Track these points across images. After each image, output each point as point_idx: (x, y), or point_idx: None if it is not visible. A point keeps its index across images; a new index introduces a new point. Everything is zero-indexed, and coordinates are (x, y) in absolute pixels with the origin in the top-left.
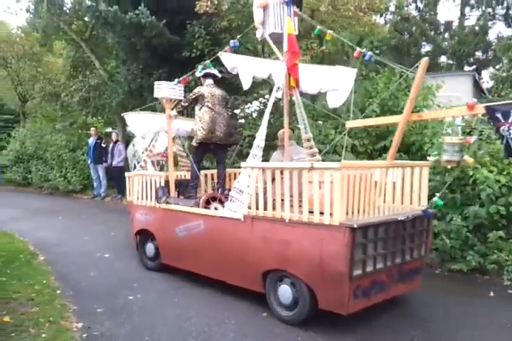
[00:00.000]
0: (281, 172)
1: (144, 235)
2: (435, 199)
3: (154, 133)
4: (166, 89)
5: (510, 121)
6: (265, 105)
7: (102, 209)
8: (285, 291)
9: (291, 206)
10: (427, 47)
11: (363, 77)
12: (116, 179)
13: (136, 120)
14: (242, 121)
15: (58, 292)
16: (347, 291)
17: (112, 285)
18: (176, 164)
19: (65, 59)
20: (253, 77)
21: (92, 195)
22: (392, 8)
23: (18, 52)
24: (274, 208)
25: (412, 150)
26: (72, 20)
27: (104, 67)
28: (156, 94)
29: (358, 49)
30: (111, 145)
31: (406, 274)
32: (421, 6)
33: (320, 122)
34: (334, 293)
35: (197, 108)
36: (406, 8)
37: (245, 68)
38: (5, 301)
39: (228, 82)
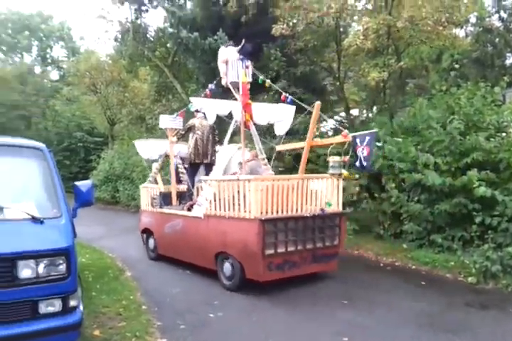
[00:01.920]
0: (228, 184)
1: (147, 233)
2: (327, 201)
3: (159, 155)
4: (168, 121)
5: (364, 145)
6: (340, 123)
7: None
8: (227, 267)
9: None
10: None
11: (443, 92)
12: None
13: (143, 146)
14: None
15: (144, 307)
16: (261, 265)
17: (194, 302)
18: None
19: (149, 84)
20: (216, 115)
21: None
22: (473, 20)
23: (106, 78)
24: (220, 209)
25: (499, 167)
26: (156, 47)
27: (186, 91)
28: (160, 125)
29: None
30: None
31: (320, 257)
32: (505, 15)
33: (399, 139)
34: (254, 266)
35: (190, 136)
36: (488, 19)
37: (210, 108)
38: (95, 315)
39: (305, 102)
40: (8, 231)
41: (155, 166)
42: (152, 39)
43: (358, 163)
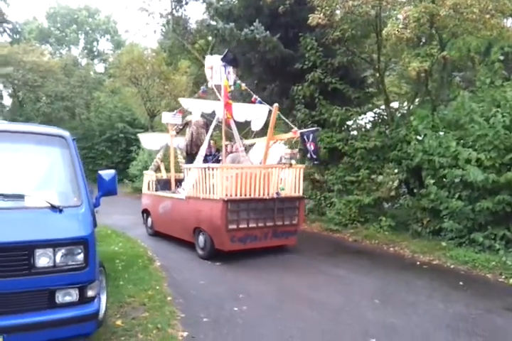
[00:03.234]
0: (201, 170)
1: (146, 213)
2: (280, 186)
3: (160, 146)
4: (169, 117)
5: (310, 140)
6: (380, 115)
7: None
8: (201, 239)
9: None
10: None
11: (488, 85)
12: None
13: (147, 138)
14: (355, 132)
15: (169, 298)
16: (225, 237)
17: (220, 295)
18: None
19: (188, 76)
20: (201, 112)
21: None
22: None
23: (147, 71)
24: (197, 192)
25: None
26: (196, 40)
27: None
28: (162, 120)
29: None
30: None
31: (280, 233)
32: None
33: (441, 133)
34: (220, 238)
35: (187, 130)
36: None
37: (196, 107)
38: (120, 305)
39: (341, 94)
40: (26, 219)
41: (158, 156)
42: (192, 31)
43: (308, 155)
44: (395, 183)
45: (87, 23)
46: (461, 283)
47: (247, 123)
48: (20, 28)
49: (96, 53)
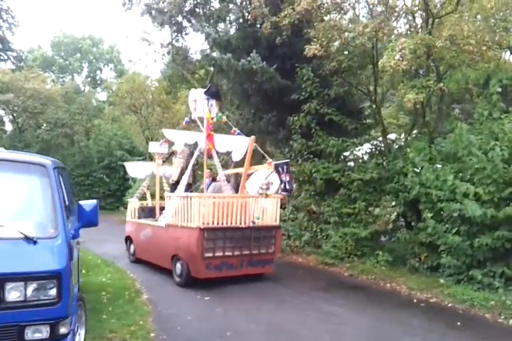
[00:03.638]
0: (181, 199)
1: (129, 240)
2: (256, 215)
3: (146, 175)
4: (156, 146)
5: (284, 172)
6: (376, 147)
7: None
8: (178, 266)
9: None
10: None
11: (486, 117)
12: None
13: (132, 167)
14: (352, 164)
15: (152, 335)
16: (201, 265)
17: (206, 332)
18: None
19: (187, 105)
20: (184, 143)
21: None
22: None
23: (147, 99)
24: (176, 219)
25: None
26: (195, 70)
27: (221, 112)
28: (149, 150)
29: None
30: None
31: (256, 262)
32: None
33: (438, 166)
34: (196, 266)
35: (173, 159)
36: None
37: (178, 138)
38: (101, 340)
39: (338, 124)
40: None
41: (144, 184)
42: (192, 61)
43: (282, 186)
44: (393, 216)
45: (91, 52)
46: (458, 323)
47: (229, 154)
48: (24, 56)
49: (99, 82)
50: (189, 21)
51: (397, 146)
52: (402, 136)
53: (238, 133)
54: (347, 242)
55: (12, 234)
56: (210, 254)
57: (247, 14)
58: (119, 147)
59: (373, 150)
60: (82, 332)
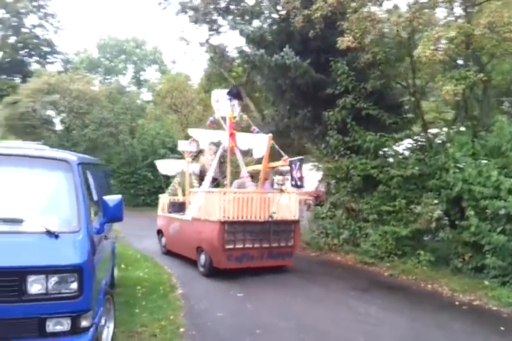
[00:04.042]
0: (204, 194)
1: (160, 233)
2: (272, 210)
3: (176, 172)
4: (185, 145)
5: (296, 168)
6: (417, 142)
7: None
8: (202, 257)
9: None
10: None
11: None
12: None
13: (163, 164)
14: (391, 159)
15: (182, 330)
16: (222, 256)
17: (236, 329)
18: None
19: None
20: (209, 142)
21: None
22: None
23: (187, 98)
24: (201, 213)
25: None
26: (232, 67)
27: (258, 109)
28: (178, 148)
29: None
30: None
31: (276, 254)
32: None
33: (483, 161)
34: (217, 257)
35: (201, 157)
36: None
37: (203, 137)
38: (130, 334)
39: (376, 119)
40: (21, 244)
41: (175, 181)
42: (229, 59)
43: (293, 182)
44: (435, 214)
45: (135, 54)
46: (502, 328)
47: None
48: (71, 59)
49: (143, 82)
50: (224, 18)
51: (439, 141)
52: (445, 130)
53: (258, 132)
54: (387, 241)
55: (35, 229)
56: (231, 246)
57: (280, 8)
58: (162, 145)
59: (414, 145)
60: (110, 325)
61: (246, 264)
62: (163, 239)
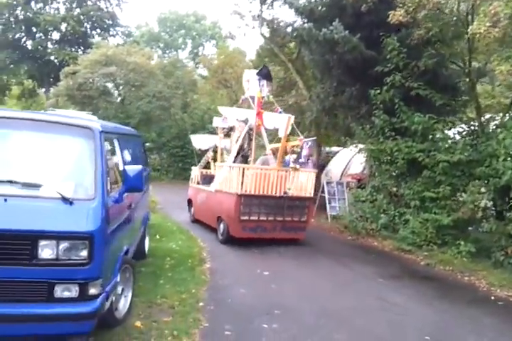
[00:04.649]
0: (227, 169)
1: (190, 203)
2: (288, 186)
3: (209, 146)
4: (219, 121)
5: (307, 147)
6: (469, 127)
7: None
8: (221, 226)
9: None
10: None
11: None
12: None
13: (198, 139)
14: (439, 144)
15: (200, 304)
16: (238, 226)
17: (255, 307)
18: None
19: (274, 79)
20: (236, 119)
21: None
22: None
23: (238, 73)
24: (222, 186)
25: None
26: (284, 43)
27: (306, 86)
28: (213, 124)
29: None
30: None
31: (289, 228)
32: None
33: None
34: (233, 226)
35: (232, 133)
36: None
37: (231, 114)
38: (149, 305)
39: (427, 101)
40: (36, 209)
41: (208, 154)
42: (279, 34)
43: (299, 160)
44: (482, 203)
45: (194, 29)
46: None
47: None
48: (133, 32)
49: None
50: None
51: (494, 126)
52: (500, 115)
53: (280, 112)
54: (427, 229)
55: (51, 194)
56: (246, 217)
57: None
58: (211, 121)
59: (466, 130)
60: (129, 294)
61: (259, 235)
62: (192, 209)
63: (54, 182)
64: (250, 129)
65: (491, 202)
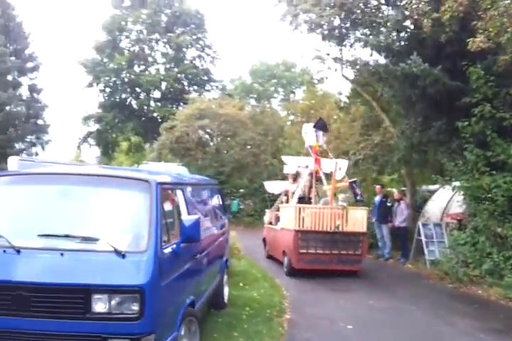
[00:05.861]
0: (288, 209)
1: (265, 240)
2: (337, 222)
3: (281, 191)
4: (288, 168)
5: (356, 187)
6: None
7: (381, 271)
8: (285, 259)
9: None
10: None
11: None
12: (401, 240)
13: (271, 184)
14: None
15: None
16: (296, 258)
17: None
18: None
19: (358, 119)
20: (298, 166)
21: (376, 254)
22: None
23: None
24: (285, 224)
25: None
26: (365, 81)
27: (393, 124)
28: (284, 171)
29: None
30: (396, 204)
31: (344, 261)
32: None
33: None
34: (293, 258)
35: (298, 179)
36: None
37: (292, 162)
38: None
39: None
40: (91, 263)
41: (280, 199)
42: (360, 73)
43: (357, 198)
44: None
45: (284, 77)
46: None
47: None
48: (226, 86)
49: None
50: (350, 32)
51: None
52: None
53: (332, 158)
54: None
55: (105, 247)
56: (304, 250)
57: (407, 13)
58: None
59: None
60: None
61: (317, 267)
62: (266, 246)
63: (110, 235)
64: (311, 174)
65: None
